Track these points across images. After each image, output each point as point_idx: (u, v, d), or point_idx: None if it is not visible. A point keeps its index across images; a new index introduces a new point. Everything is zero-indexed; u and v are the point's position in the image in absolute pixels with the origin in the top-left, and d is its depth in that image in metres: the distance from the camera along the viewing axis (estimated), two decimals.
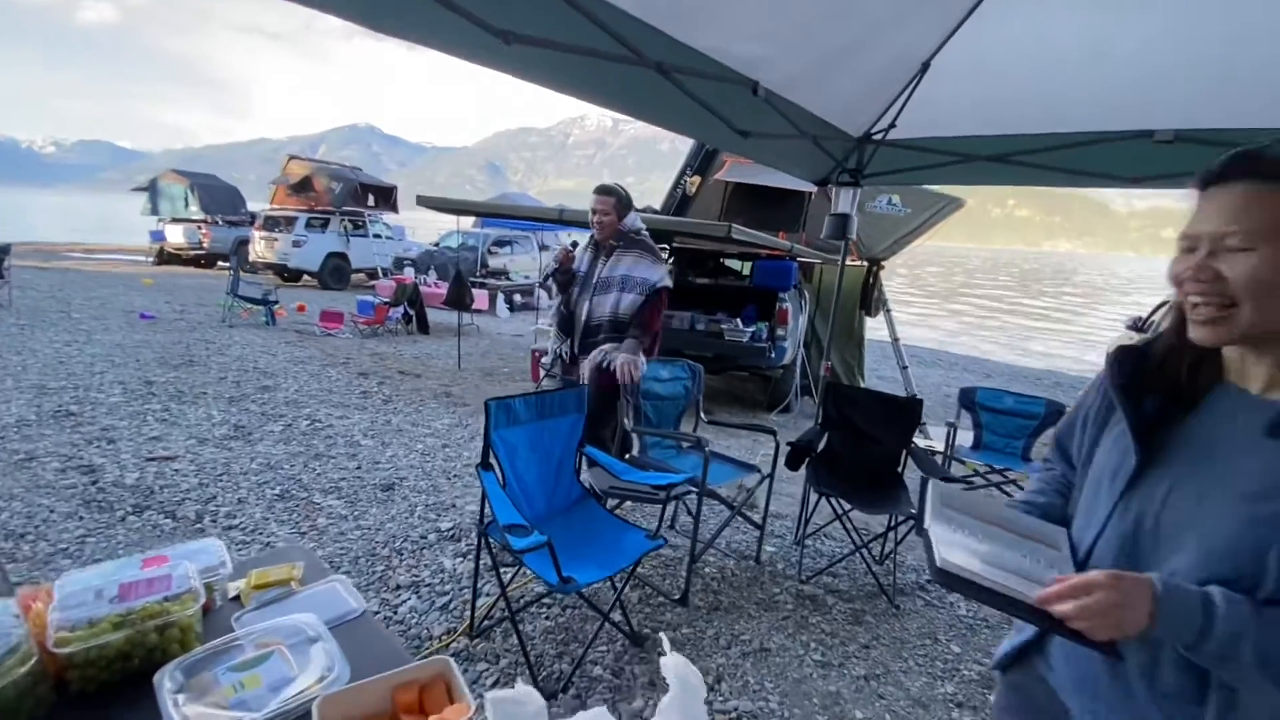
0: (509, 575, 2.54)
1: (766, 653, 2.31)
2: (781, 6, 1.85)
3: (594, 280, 2.95)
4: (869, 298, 6.29)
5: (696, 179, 7.19)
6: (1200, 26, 1.94)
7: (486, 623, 2.28)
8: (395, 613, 2.35)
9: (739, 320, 5.84)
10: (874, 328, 6.80)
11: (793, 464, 2.94)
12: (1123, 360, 0.89)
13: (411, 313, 8.53)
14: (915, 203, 6.15)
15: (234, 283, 8.02)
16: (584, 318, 2.94)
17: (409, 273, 11.41)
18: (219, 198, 14.64)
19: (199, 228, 14.01)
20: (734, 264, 6.99)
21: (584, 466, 2.57)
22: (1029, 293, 31.44)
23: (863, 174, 3.06)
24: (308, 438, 4.11)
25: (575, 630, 2.32)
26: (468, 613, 2.30)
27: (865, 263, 6.28)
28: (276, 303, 8.30)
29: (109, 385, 4.75)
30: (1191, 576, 0.74)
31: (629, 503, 3.11)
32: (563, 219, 5.46)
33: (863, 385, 6.13)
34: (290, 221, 12.62)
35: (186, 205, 14.27)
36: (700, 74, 1.95)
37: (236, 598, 1.25)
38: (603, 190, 3.00)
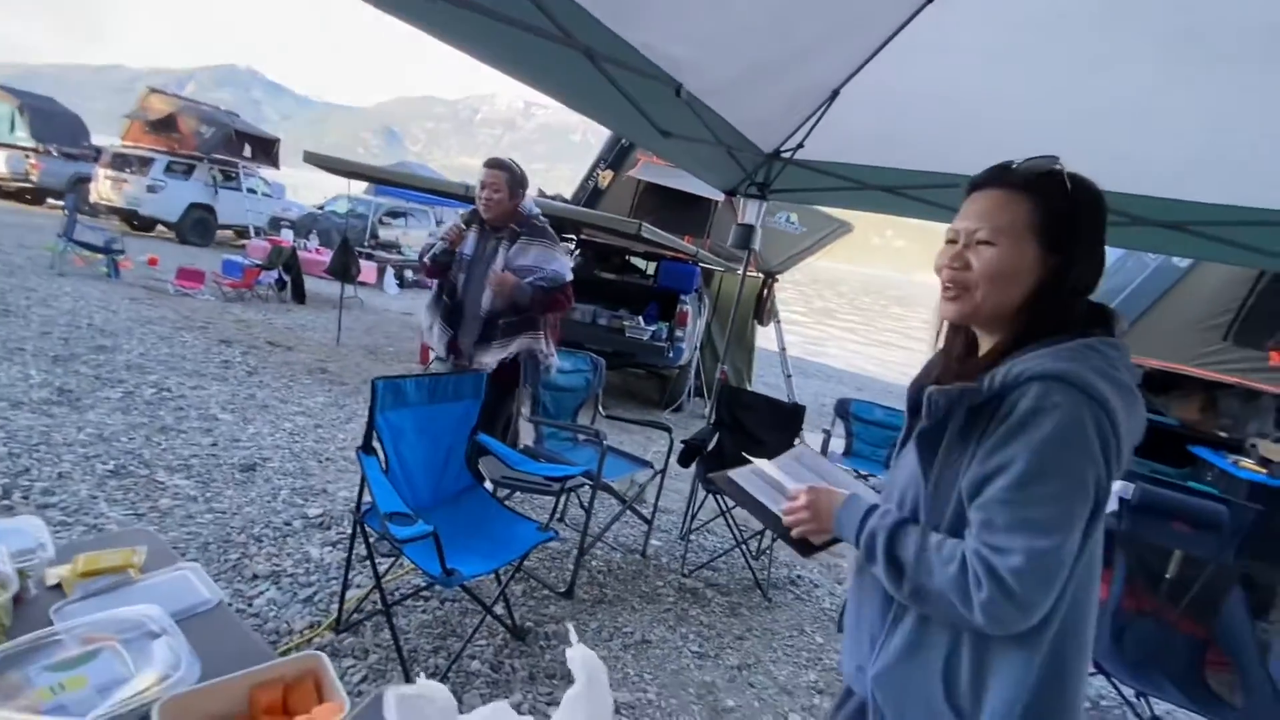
0: (384, 566, 2.39)
1: (647, 645, 2.35)
2: (714, 15, 1.88)
3: (493, 268, 2.65)
4: (763, 308, 6.60)
5: (609, 173, 7.18)
6: (1079, 86, 2.20)
7: (356, 616, 2.13)
8: (250, 605, 2.14)
9: (641, 318, 5.90)
10: (763, 336, 7.15)
11: (685, 461, 3.02)
12: (928, 366, 1.04)
13: (287, 279, 7.81)
14: (810, 222, 6.53)
15: (69, 225, 6.93)
16: (483, 307, 2.63)
17: (287, 235, 10.43)
18: (56, 125, 12.57)
19: (26, 156, 11.95)
20: (639, 263, 7.06)
21: (477, 455, 2.47)
22: (900, 315, 34.51)
23: (769, 188, 3.20)
24: (153, 408, 3.63)
25: (454, 624, 2.23)
26: (334, 605, 2.14)
27: (761, 275, 6.58)
28: (122, 252, 7.28)
29: None
30: (898, 505, 0.95)
31: (520, 494, 3.04)
32: (468, 196, 5.24)
33: (751, 389, 6.42)
34: (146, 163, 11.11)
35: (13, 129, 12.12)
36: (628, 66, 1.93)
37: (58, 586, 1.08)
38: (494, 164, 2.66)
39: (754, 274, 6.55)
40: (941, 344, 1.01)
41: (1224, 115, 2.05)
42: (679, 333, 5.79)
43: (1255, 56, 1.84)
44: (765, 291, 6.59)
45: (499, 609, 2.23)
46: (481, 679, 1.99)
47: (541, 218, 2.78)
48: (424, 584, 2.37)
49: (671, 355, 5.74)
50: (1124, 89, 2.10)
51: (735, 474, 1.12)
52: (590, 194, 7.20)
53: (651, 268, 6.76)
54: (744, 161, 3.05)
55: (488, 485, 2.49)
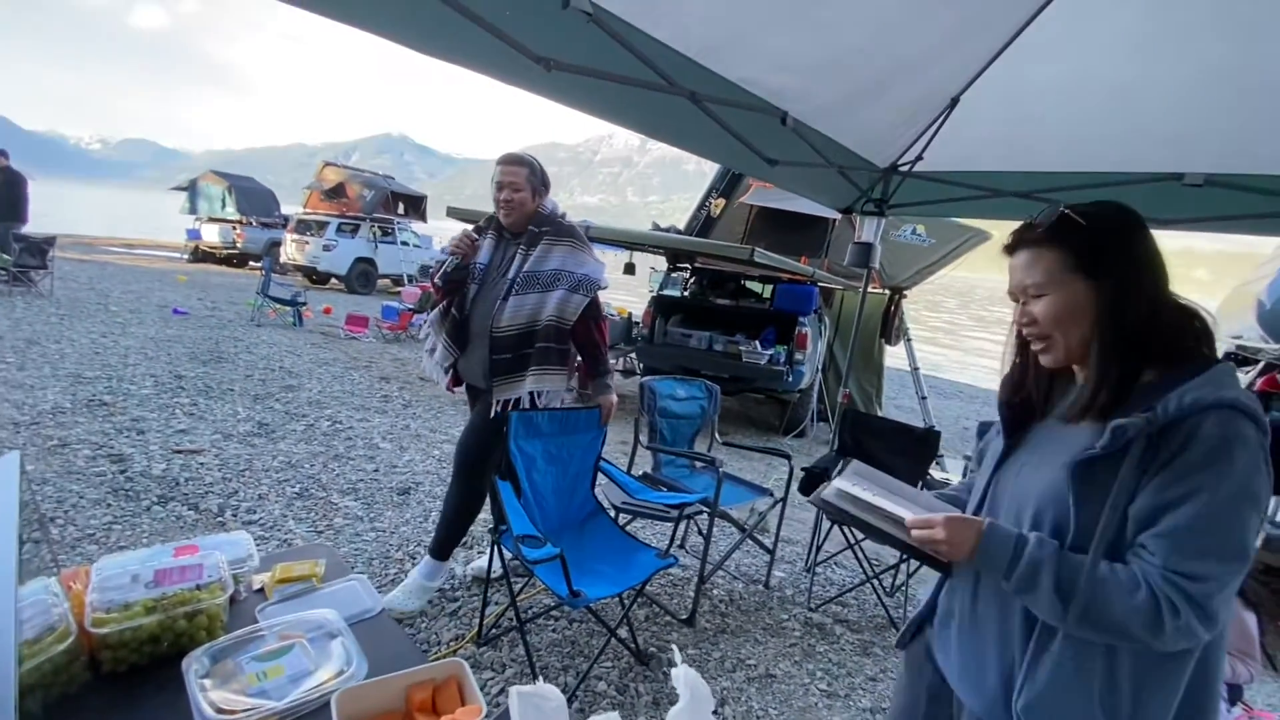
0: (519, 585, 2.56)
1: (772, 679, 2.29)
2: (814, 42, 1.89)
3: (508, 276, 2.29)
4: (890, 326, 6.26)
5: (721, 201, 7.26)
6: (1229, 77, 1.95)
7: (494, 631, 2.30)
8: (405, 616, 2.38)
9: (758, 342, 5.85)
10: (894, 356, 6.77)
11: (806, 489, 2.94)
12: (1005, 381, 1.11)
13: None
14: (940, 234, 6.15)
15: (265, 283, 8.23)
16: (493, 325, 2.25)
17: None
18: (255, 200, 15.05)
19: (234, 228, 14.41)
20: (755, 286, 7.02)
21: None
22: None
23: (888, 204, 3.08)
24: (328, 438, 4.19)
25: (581, 644, 2.33)
26: (476, 620, 2.33)
27: (887, 291, 6.27)
28: (304, 304, 8.50)
29: (141, 377, 4.89)
30: (1029, 527, 0.95)
31: (639, 520, 3.12)
32: (589, 235, 5.55)
33: (880, 414, 6.08)
34: (322, 226, 12.93)
35: (223, 206, 14.69)
36: (731, 103, 1.99)
37: (261, 590, 1.30)
38: (512, 159, 2.32)
39: (877, 291, 6.26)
40: (1015, 370, 1.09)
41: None
42: (798, 355, 5.66)
43: None
44: (892, 308, 6.27)
45: (623, 632, 2.30)
46: (607, 700, 2.06)
47: (566, 217, 2.45)
48: (554, 604, 2.50)
49: (791, 379, 5.62)
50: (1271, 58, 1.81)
51: (830, 497, 1.08)
52: (703, 223, 7.31)
53: (767, 291, 6.69)
54: (858, 179, 2.98)
55: (610, 511, 2.59)
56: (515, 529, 1.97)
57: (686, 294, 6.97)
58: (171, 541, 1.34)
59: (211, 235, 14.63)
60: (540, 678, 2.05)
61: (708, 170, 7.29)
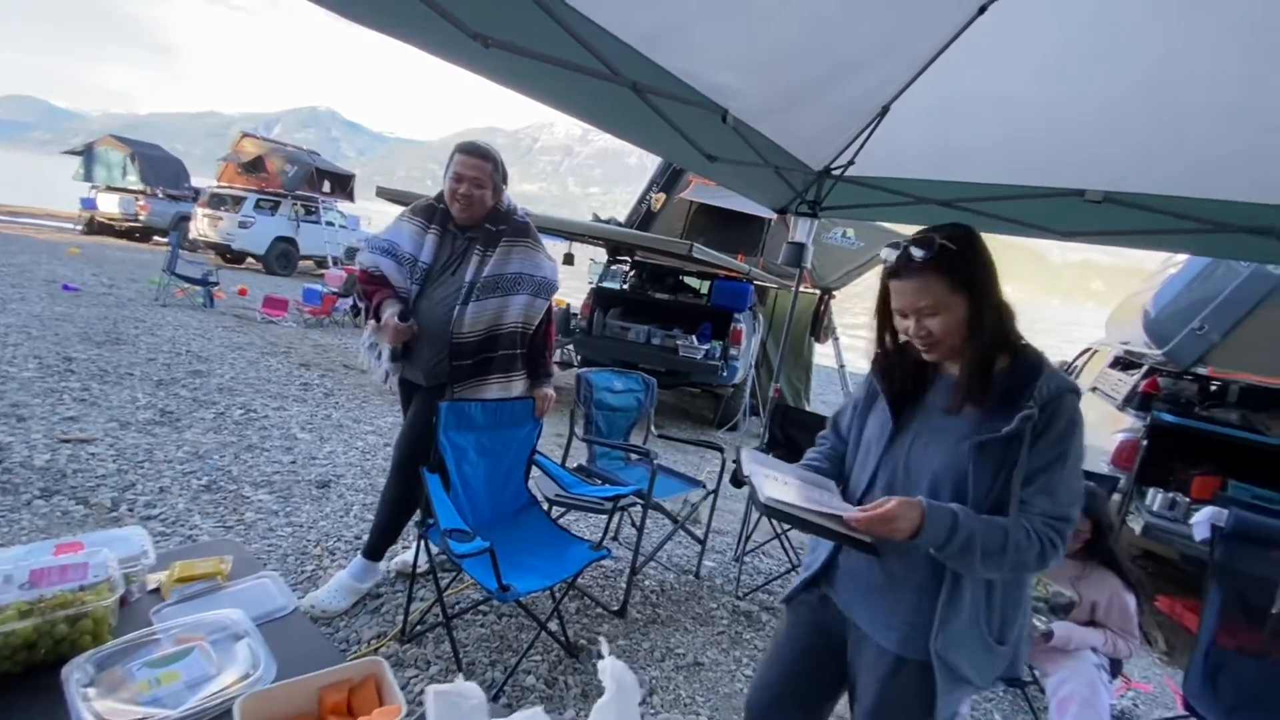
0: (446, 580, 2.49)
1: (700, 667, 2.33)
2: (756, 41, 1.92)
3: (464, 279, 2.16)
4: (819, 325, 6.49)
5: (662, 196, 7.29)
6: (1132, 103, 2.11)
7: (419, 628, 2.23)
8: (323, 615, 2.27)
9: (695, 337, 5.93)
10: (821, 354, 7.02)
11: (737, 481, 3.00)
12: (878, 365, 1.30)
13: (361, 305, 8.28)
14: (868, 237, 6.41)
15: (172, 260, 7.62)
16: (454, 331, 2.14)
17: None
18: (161, 169, 13.89)
19: (136, 199, 13.25)
20: (693, 282, 7.10)
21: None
22: None
23: (820, 206, 3.18)
24: (241, 427, 3.93)
25: (510, 639, 2.29)
26: (400, 616, 2.25)
27: (818, 291, 6.49)
28: (216, 284, 7.93)
29: (23, 359, 4.43)
30: (928, 495, 1.13)
31: (574, 512, 3.10)
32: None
33: (808, 408, 6.30)
34: (238, 201, 12.10)
35: (124, 174, 13.48)
36: (673, 96, 1.99)
37: (157, 590, 1.20)
38: (474, 150, 2.15)
39: (809, 290, 6.47)
40: (888, 356, 1.29)
41: None
42: (733, 351, 5.77)
43: None
44: (822, 308, 6.49)
45: (553, 626, 2.28)
46: (536, 694, 2.04)
47: (522, 213, 2.32)
48: (482, 598, 2.45)
49: (725, 374, 5.72)
50: (1201, 85, 1.99)
51: (770, 504, 1.11)
52: (644, 216, 7.32)
53: (705, 287, 6.79)
54: (793, 180, 3.05)
55: (543, 504, 2.56)
56: (443, 523, 1.91)
57: (626, 287, 6.97)
58: (54, 539, 1.21)
59: (110, 206, 13.40)
60: (466, 674, 2.01)
61: (649, 164, 7.31)
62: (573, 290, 7.48)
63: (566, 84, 1.81)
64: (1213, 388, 4.13)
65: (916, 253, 1.13)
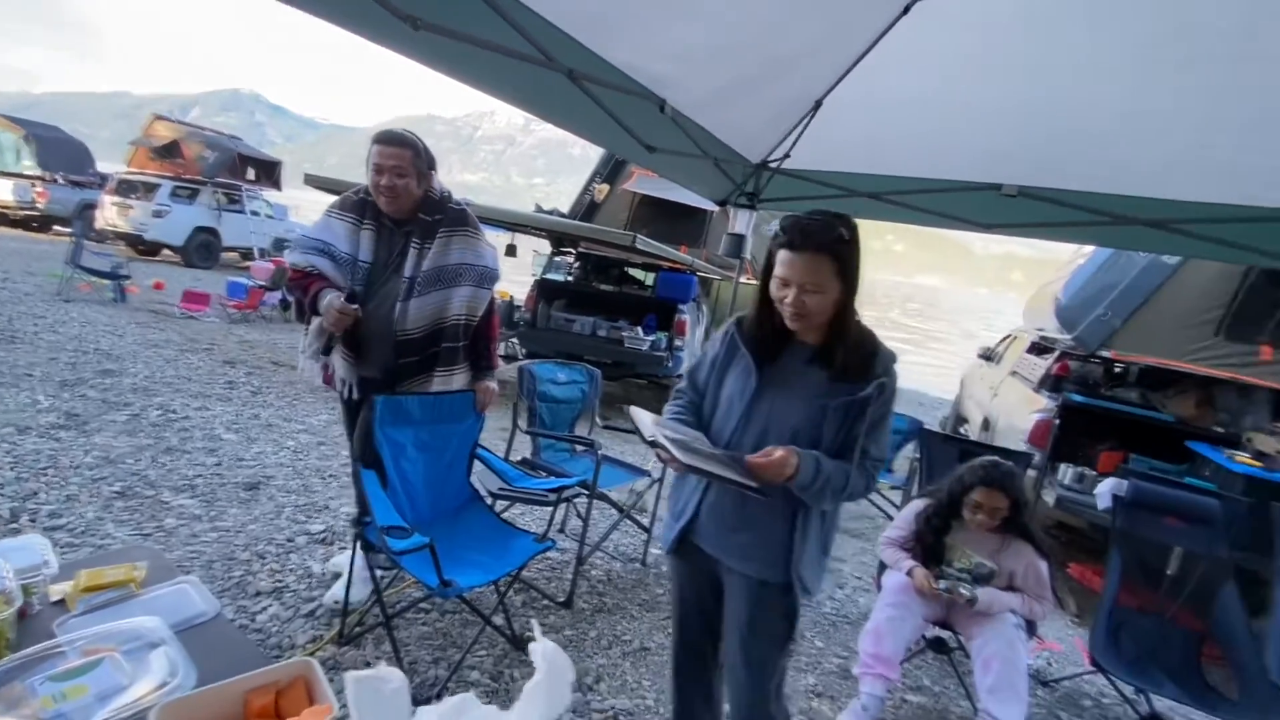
0: (385, 579, 2.43)
1: (646, 652, 2.36)
2: (693, 32, 1.93)
3: (403, 274, 2.09)
4: None
5: (605, 187, 7.27)
6: (1043, 105, 2.25)
7: (357, 629, 2.16)
8: (254, 620, 2.17)
9: (640, 329, 5.95)
10: None
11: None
12: (743, 326, 1.47)
13: (291, 299, 7.91)
14: None
15: (75, 251, 7.04)
16: (398, 330, 2.09)
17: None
18: (61, 153, 12.78)
19: (33, 185, 12.15)
20: (638, 273, 7.12)
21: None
22: (900, 320, 34.45)
23: (759, 198, 3.24)
24: (159, 430, 3.69)
25: (454, 635, 2.25)
26: (337, 620, 2.17)
27: (758, 282, 6.62)
28: (128, 277, 7.39)
29: None
30: (789, 442, 1.31)
31: (519, 505, 3.07)
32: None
33: None
34: (151, 188, 11.27)
35: (18, 158, 12.34)
36: (610, 85, 1.99)
37: (61, 602, 1.12)
38: (391, 139, 2.03)
39: (750, 281, 6.60)
40: (758, 323, 1.44)
41: (1204, 114, 2.07)
42: (678, 342, 5.83)
43: (1233, 56, 1.88)
44: None
45: (498, 620, 2.26)
46: (481, 689, 2.02)
47: (457, 200, 2.23)
48: (422, 596, 2.40)
49: (671, 364, 5.78)
50: (1104, 90, 2.14)
51: (677, 452, 1.29)
52: (587, 208, 7.28)
53: (650, 278, 6.82)
54: (732, 172, 3.10)
55: (487, 499, 2.52)
56: (380, 520, 1.86)
57: (570, 279, 6.92)
58: None
59: (3, 193, 12.25)
60: (408, 674, 1.97)
61: (593, 155, 7.25)
62: (516, 283, 7.37)
63: (500, 69, 1.78)
64: (1116, 369, 4.47)
65: (819, 234, 1.28)
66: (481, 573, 2.00)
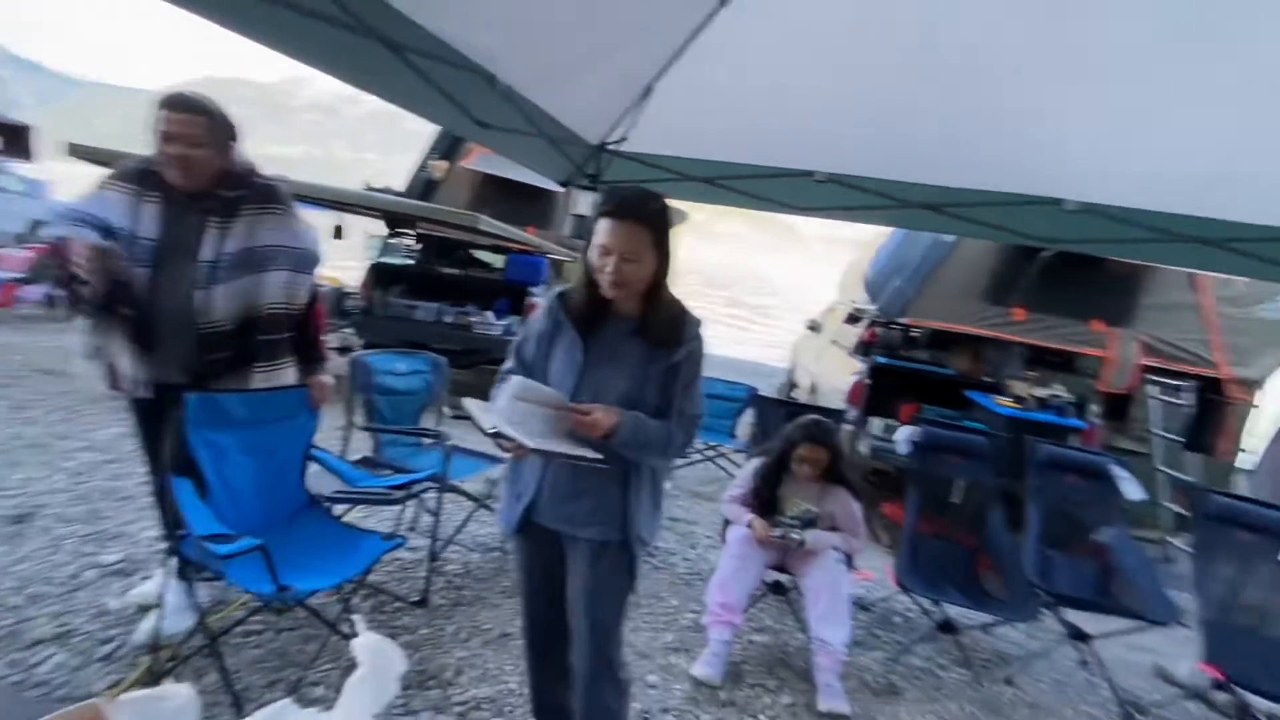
0: (206, 602, 2.16)
1: (508, 638, 2.36)
2: (515, 6, 1.90)
3: (202, 256, 1.84)
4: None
5: (444, 164, 6.88)
6: (849, 99, 2.51)
7: (170, 664, 1.91)
8: (33, 674, 1.83)
9: (491, 313, 5.78)
10: None
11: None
12: (566, 300, 1.52)
13: (58, 293, 6.59)
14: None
15: None
16: (200, 320, 1.86)
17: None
18: None
19: None
20: (486, 256, 6.88)
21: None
22: (741, 298, 36.97)
23: (600, 180, 3.28)
24: None
25: (292, 654, 2.08)
26: (145, 657, 1.90)
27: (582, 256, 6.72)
28: None
29: None
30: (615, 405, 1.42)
31: (363, 507, 2.88)
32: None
33: None
34: None
35: None
36: (434, 56, 1.89)
37: None
38: (182, 104, 1.78)
39: None
40: (582, 296, 1.50)
41: (961, 112, 2.46)
42: None
43: (971, 67, 2.25)
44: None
45: (346, 628, 2.11)
46: (327, 704, 1.89)
47: (266, 175, 2.02)
48: (257, 606, 2.17)
49: None
50: (890, 86, 2.44)
51: (522, 438, 1.33)
52: (425, 186, 6.86)
53: (499, 261, 6.63)
54: (571, 153, 3.10)
55: (326, 503, 2.33)
56: (198, 529, 1.65)
57: (410, 262, 6.52)
58: None
59: None
60: (239, 702, 1.78)
61: (431, 129, 6.83)
62: (345, 268, 6.79)
63: (306, 34, 1.62)
64: (912, 334, 5.18)
65: (638, 205, 1.38)
66: (323, 577, 1.87)
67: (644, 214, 1.38)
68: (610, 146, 3.06)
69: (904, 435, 3.14)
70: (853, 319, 5.43)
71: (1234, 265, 2.69)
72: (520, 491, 1.55)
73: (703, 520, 3.89)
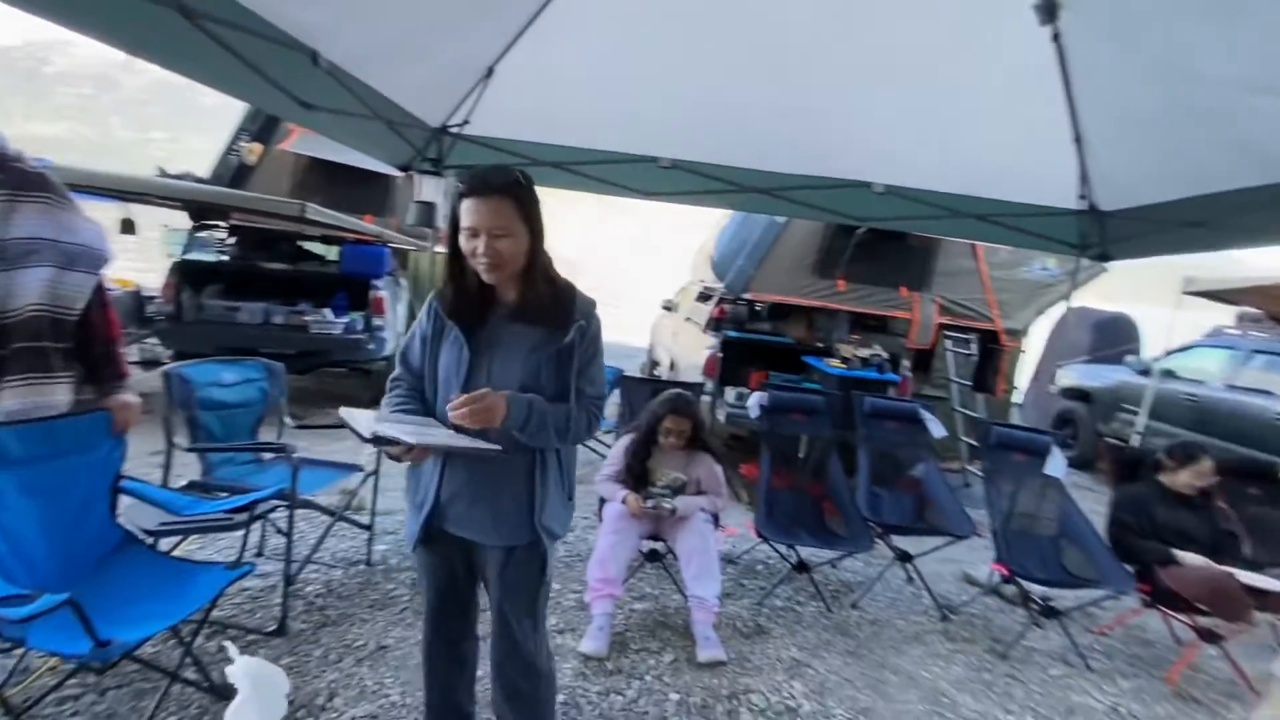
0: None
1: (385, 650, 2.25)
2: None
3: None
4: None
5: (258, 146, 6.14)
6: (692, 81, 2.63)
7: None
8: None
9: (329, 310, 5.31)
10: None
11: (377, 440, 2.88)
12: (445, 297, 1.46)
13: None
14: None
15: None
16: None
17: None
18: None
19: None
20: (317, 248, 6.28)
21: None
22: (602, 283, 37.32)
23: (444, 164, 3.15)
24: None
25: (124, 715, 1.81)
26: None
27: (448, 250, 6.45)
28: None
29: None
30: None
31: (202, 537, 2.56)
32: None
33: None
34: None
35: None
36: (243, 28, 1.68)
37: None
38: None
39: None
40: (457, 290, 1.44)
41: (786, 105, 2.69)
42: (378, 321, 5.39)
43: (796, 65, 2.48)
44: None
45: (190, 674, 1.88)
46: None
47: (34, 161, 1.74)
48: (69, 673, 1.86)
49: (374, 347, 5.33)
50: (714, 82, 2.61)
51: (407, 437, 1.30)
52: (235, 171, 6.08)
53: (334, 253, 6.08)
54: (410, 136, 2.94)
55: (147, 539, 2.04)
56: None
57: (225, 258, 5.77)
58: None
59: None
60: None
61: (234, 105, 6.02)
62: (139, 270, 5.87)
63: None
64: (756, 308, 5.61)
65: (495, 178, 1.34)
66: (152, 622, 1.64)
67: (505, 186, 1.33)
68: (453, 129, 2.95)
69: (754, 401, 3.43)
70: (704, 297, 5.74)
71: (1000, 236, 3.26)
72: (421, 501, 1.47)
73: (580, 503, 3.88)
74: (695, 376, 4.80)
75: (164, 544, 2.11)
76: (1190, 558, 2.64)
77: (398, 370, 1.54)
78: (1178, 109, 2.11)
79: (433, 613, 1.59)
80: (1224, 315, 6.35)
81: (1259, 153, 2.04)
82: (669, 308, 7.31)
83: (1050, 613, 2.81)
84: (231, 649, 0.57)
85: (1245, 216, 2.33)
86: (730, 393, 4.85)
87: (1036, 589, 2.91)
